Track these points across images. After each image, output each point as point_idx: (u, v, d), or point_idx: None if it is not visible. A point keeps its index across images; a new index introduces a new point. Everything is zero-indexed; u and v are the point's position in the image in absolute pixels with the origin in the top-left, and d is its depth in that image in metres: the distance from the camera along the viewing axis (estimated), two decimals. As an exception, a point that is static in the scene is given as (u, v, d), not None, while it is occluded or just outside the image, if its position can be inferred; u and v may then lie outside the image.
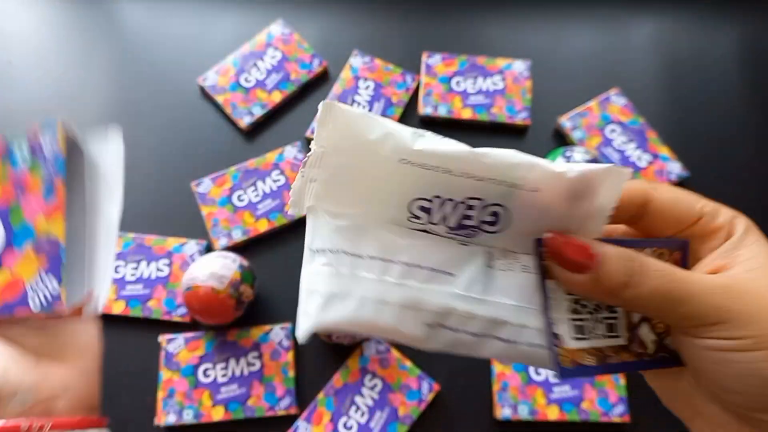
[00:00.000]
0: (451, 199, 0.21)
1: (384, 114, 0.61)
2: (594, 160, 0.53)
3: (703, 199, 0.22)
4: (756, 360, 0.18)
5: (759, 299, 0.19)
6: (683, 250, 0.22)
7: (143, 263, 0.54)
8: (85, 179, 0.26)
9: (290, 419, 0.50)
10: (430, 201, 0.21)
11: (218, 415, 0.50)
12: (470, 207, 0.21)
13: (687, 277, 0.20)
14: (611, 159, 0.59)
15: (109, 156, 0.27)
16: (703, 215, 0.22)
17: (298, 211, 0.21)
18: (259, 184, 0.57)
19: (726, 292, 0.19)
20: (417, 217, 0.21)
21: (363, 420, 0.49)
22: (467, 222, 0.22)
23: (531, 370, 0.51)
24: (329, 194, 0.21)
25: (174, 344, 0.52)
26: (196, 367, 0.51)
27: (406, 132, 0.20)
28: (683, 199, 0.22)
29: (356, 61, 0.63)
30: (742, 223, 0.22)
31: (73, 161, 0.26)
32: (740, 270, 0.20)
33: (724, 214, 0.22)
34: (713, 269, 0.21)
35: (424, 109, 0.61)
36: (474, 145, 0.20)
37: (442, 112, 0.61)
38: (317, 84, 0.64)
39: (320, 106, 0.20)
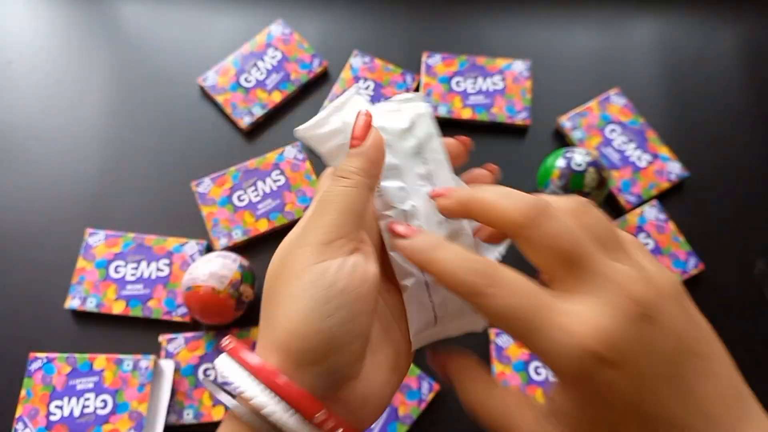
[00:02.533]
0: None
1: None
2: (594, 162, 0.53)
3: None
4: None
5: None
6: None
7: (143, 263, 0.54)
8: (161, 383, 0.50)
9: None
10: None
11: (218, 414, 0.50)
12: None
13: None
14: (611, 159, 0.59)
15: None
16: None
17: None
18: (260, 184, 0.57)
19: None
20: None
21: (363, 420, 0.49)
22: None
23: (531, 370, 0.51)
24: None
25: (174, 344, 0.52)
26: (196, 366, 0.51)
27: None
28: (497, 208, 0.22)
29: (356, 61, 0.63)
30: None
31: (156, 372, 0.50)
32: None
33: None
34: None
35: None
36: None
37: (442, 112, 0.61)
38: (317, 84, 0.64)
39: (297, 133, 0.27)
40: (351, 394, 0.22)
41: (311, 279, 0.22)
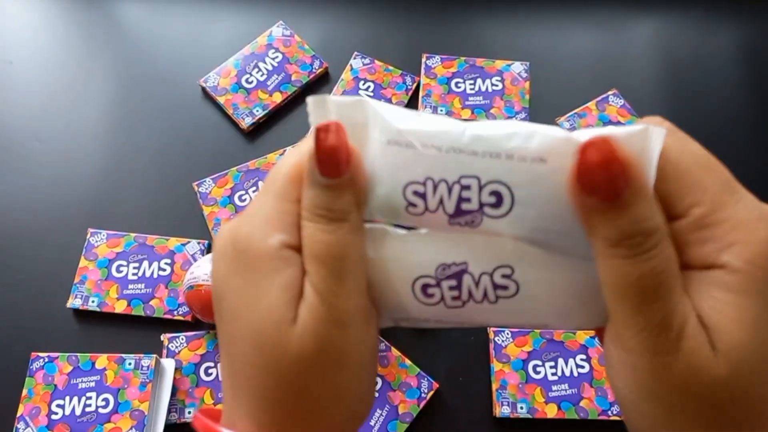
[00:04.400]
0: (444, 180, 0.18)
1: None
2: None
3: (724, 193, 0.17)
4: None
5: None
6: None
7: (145, 263, 0.55)
8: (162, 382, 0.50)
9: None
10: (422, 184, 0.19)
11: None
12: (466, 187, 0.18)
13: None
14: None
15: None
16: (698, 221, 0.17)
17: None
18: (261, 184, 0.58)
19: None
20: (414, 205, 0.19)
21: (363, 418, 0.49)
22: (466, 206, 0.19)
23: (530, 368, 0.51)
24: None
25: (176, 343, 0.52)
26: (197, 365, 0.51)
27: (396, 112, 0.19)
28: (696, 179, 0.17)
29: (356, 62, 0.64)
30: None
31: (157, 371, 0.50)
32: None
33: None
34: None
35: (424, 110, 0.61)
36: None
37: (441, 113, 0.61)
38: (318, 85, 0.64)
39: (309, 102, 0.19)
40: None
41: (365, 365, 0.20)
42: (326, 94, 0.19)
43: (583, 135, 0.17)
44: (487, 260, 0.19)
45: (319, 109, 0.19)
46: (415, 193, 0.19)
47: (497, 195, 0.18)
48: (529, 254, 0.19)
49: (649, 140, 0.17)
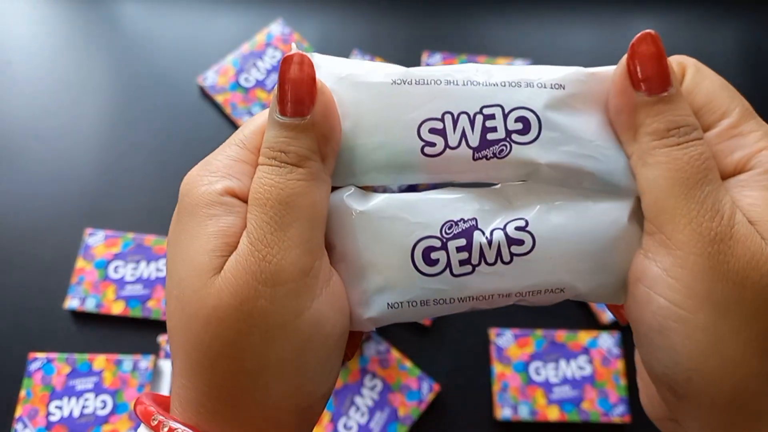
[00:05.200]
0: (464, 112, 0.18)
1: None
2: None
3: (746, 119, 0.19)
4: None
5: None
6: None
7: (143, 263, 0.54)
8: (160, 383, 0.49)
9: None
10: (440, 120, 0.17)
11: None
12: (490, 117, 0.18)
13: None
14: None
15: None
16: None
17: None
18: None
19: None
20: (431, 144, 0.18)
21: (363, 420, 0.49)
22: (492, 136, 0.18)
23: (531, 370, 0.51)
24: None
25: (174, 344, 0.52)
26: (195, 367, 0.51)
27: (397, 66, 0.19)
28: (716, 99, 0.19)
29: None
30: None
31: (155, 373, 0.50)
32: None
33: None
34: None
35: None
36: None
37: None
38: (317, 84, 0.64)
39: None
40: None
41: (305, 338, 0.17)
42: (318, 54, 0.18)
43: (590, 69, 0.19)
44: (497, 214, 0.18)
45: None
46: (433, 130, 0.18)
47: (524, 120, 0.18)
48: (541, 206, 0.18)
49: (683, 61, 0.19)
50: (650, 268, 0.17)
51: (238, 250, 0.17)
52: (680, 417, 0.18)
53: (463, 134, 0.18)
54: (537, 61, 0.64)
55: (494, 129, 0.18)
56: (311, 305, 0.17)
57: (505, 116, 0.18)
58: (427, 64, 0.63)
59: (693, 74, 0.19)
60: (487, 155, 0.18)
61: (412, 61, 0.64)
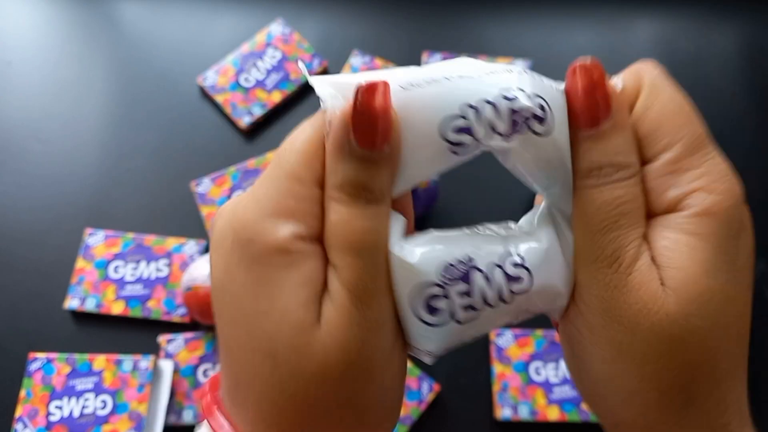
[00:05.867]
0: (488, 101, 0.16)
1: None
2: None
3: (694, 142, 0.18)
4: None
5: None
6: None
7: (143, 263, 0.54)
8: (160, 384, 0.49)
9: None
10: (463, 117, 0.16)
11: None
12: (512, 99, 0.16)
13: None
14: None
15: None
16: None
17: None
18: (259, 184, 0.57)
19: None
20: (459, 144, 0.16)
21: (363, 420, 0.49)
22: (517, 117, 0.16)
23: (531, 370, 0.51)
24: None
25: (173, 344, 0.52)
26: (195, 367, 0.51)
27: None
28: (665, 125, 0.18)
29: (356, 60, 0.63)
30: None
31: (155, 373, 0.50)
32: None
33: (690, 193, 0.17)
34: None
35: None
36: None
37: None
38: (317, 84, 0.64)
39: (318, 84, 0.16)
40: None
41: (400, 373, 0.18)
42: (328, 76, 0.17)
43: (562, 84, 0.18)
44: (492, 250, 0.17)
45: (328, 88, 0.16)
46: (459, 129, 0.16)
47: (542, 107, 0.17)
48: (529, 236, 0.18)
49: (641, 77, 0.17)
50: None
51: (337, 302, 0.16)
52: None
53: (491, 124, 0.17)
54: (537, 61, 0.64)
55: (518, 111, 0.17)
56: (399, 343, 0.17)
57: (528, 98, 0.17)
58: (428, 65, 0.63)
59: (646, 96, 0.18)
60: (513, 136, 0.17)
61: (412, 61, 0.64)
